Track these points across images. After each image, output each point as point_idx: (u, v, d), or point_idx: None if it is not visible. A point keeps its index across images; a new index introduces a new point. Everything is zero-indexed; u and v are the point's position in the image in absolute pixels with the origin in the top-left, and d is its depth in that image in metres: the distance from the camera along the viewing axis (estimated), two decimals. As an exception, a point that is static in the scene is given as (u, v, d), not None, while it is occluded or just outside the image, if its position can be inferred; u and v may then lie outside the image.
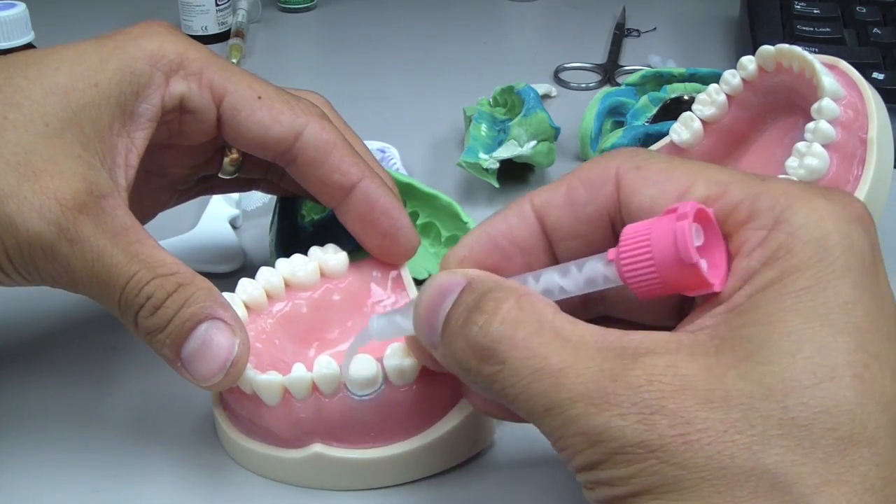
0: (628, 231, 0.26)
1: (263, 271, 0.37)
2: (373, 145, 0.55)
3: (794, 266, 0.24)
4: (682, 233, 0.24)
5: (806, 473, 0.22)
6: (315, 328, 0.38)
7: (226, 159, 0.40)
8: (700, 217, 0.25)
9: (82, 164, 0.32)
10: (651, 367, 0.24)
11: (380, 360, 0.33)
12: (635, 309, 0.31)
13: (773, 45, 0.42)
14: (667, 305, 0.30)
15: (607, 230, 0.29)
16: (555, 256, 0.30)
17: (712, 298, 0.25)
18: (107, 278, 0.32)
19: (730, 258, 0.25)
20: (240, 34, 0.75)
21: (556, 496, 0.35)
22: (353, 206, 0.37)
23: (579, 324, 0.25)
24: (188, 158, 0.40)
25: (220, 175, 0.40)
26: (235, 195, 0.51)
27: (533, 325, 0.25)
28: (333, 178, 0.37)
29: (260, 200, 0.52)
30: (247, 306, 0.36)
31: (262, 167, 0.41)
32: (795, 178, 0.38)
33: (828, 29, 0.65)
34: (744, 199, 0.25)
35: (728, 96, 0.44)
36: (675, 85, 0.56)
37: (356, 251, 0.39)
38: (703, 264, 0.24)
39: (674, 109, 0.54)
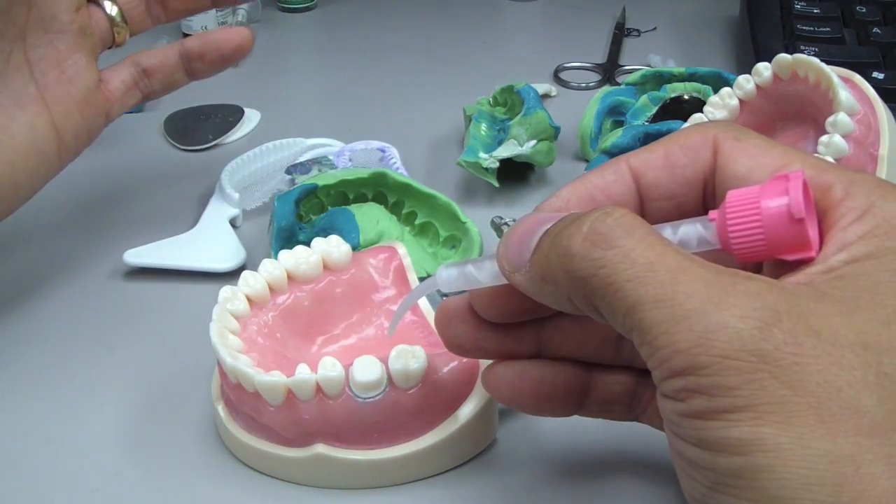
0: (734, 193, 0.26)
1: (266, 264, 0.37)
2: (373, 145, 0.55)
3: (890, 248, 0.24)
4: (796, 189, 0.25)
5: None
6: (317, 322, 0.38)
7: None
8: (803, 188, 0.25)
9: None
10: (766, 284, 0.23)
11: (384, 363, 0.33)
12: (571, 342, 0.31)
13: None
14: (607, 338, 0.31)
15: (700, 195, 0.29)
16: (644, 217, 0.30)
17: (794, 266, 0.25)
18: None
19: (822, 233, 0.26)
20: (240, 34, 0.75)
21: (556, 496, 0.35)
22: None
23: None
24: None
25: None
26: (235, 195, 0.51)
27: (647, 228, 0.25)
28: None
29: (260, 200, 0.52)
30: (250, 300, 0.36)
31: None
32: None
33: (828, 29, 0.65)
34: (839, 181, 0.26)
35: (740, 101, 0.44)
36: (675, 84, 0.56)
37: (356, 248, 0.40)
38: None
39: (673, 109, 0.54)
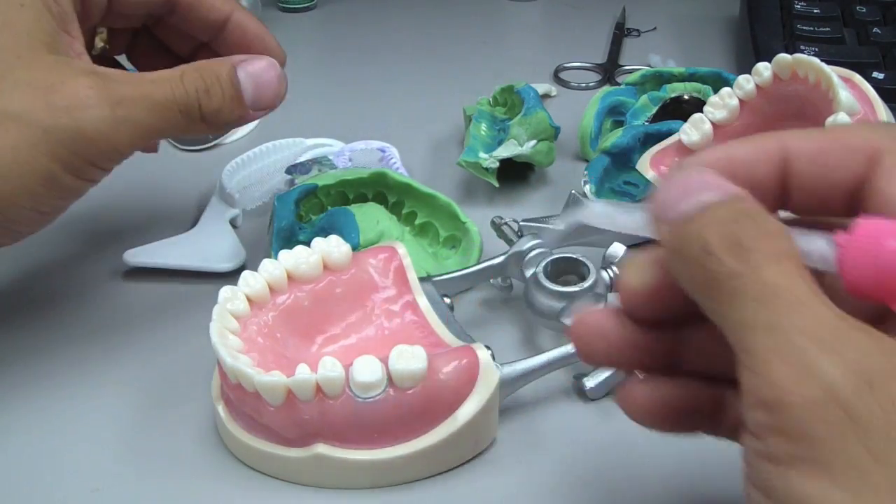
0: (865, 222, 0.24)
1: (266, 264, 0.37)
2: (373, 145, 0.55)
3: None
4: None
5: None
6: (317, 322, 0.38)
7: (97, 38, 0.44)
8: None
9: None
10: (879, 342, 0.22)
11: (384, 363, 0.33)
12: (704, 360, 0.30)
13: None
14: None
15: (847, 197, 0.27)
16: (781, 203, 0.28)
17: None
18: (161, 107, 0.37)
19: None
20: (240, 34, 0.75)
21: (556, 496, 0.35)
22: (228, 36, 0.43)
23: None
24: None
25: (92, 53, 0.42)
26: (235, 195, 0.51)
27: (792, 254, 0.24)
28: (210, 16, 0.43)
29: (260, 200, 0.52)
30: (250, 300, 0.36)
31: (133, 22, 0.44)
32: None
33: (828, 29, 0.65)
34: None
35: (740, 101, 0.44)
36: (675, 84, 0.56)
37: (356, 248, 0.40)
38: None
39: (673, 109, 0.54)
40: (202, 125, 0.38)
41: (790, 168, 0.28)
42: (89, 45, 0.42)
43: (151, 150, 0.45)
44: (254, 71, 0.39)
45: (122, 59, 0.46)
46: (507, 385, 0.36)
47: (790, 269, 0.23)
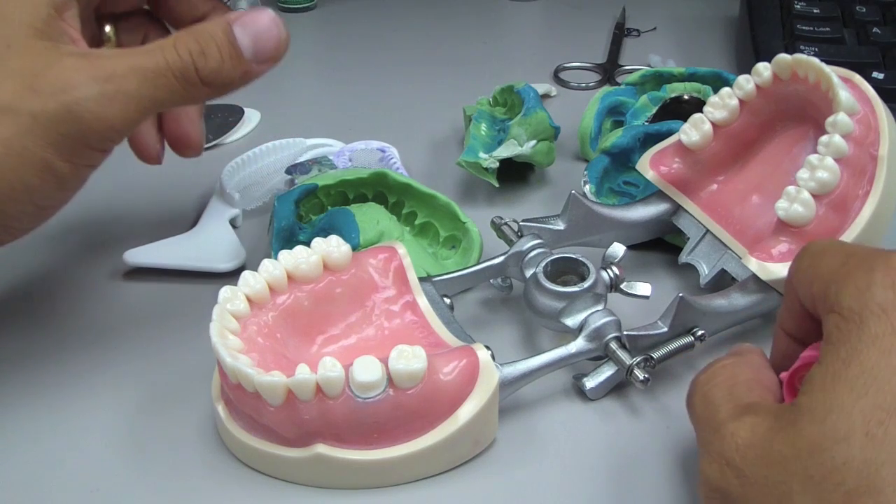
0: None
1: (266, 264, 0.37)
2: (373, 145, 0.55)
3: (838, 341, 0.28)
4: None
5: None
6: (318, 322, 0.38)
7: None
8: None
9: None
10: (739, 425, 0.29)
11: (384, 363, 0.33)
12: None
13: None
14: None
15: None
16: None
17: None
18: (153, 75, 0.35)
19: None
20: (240, 34, 0.75)
21: (555, 495, 0.35)
22: None
23: (755, 389, 0.31)
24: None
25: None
26: (235, 195, 0.51)
27: (721, 388, 0.31)
28: (191, 13, 0.42)
29: (260, 200, 0.52)
30: (250, 300, 0.36)
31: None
32: (806, 191, 0.39)
33: (827, 28, 0.65)
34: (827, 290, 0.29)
35: (740, 101, 0.44)
36: (675, 84, 0.56)
37: (356, 248, 0.39)
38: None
39: (673, 109, 0.54)
40: (204, 88, 0.36)
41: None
42: (97, 39, 0.42)
43: (155, 162, 0.44)
44: (249, 22, 0.36)
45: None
46: (507, 385, 0.36)
47: (709, 405, 0.31)
